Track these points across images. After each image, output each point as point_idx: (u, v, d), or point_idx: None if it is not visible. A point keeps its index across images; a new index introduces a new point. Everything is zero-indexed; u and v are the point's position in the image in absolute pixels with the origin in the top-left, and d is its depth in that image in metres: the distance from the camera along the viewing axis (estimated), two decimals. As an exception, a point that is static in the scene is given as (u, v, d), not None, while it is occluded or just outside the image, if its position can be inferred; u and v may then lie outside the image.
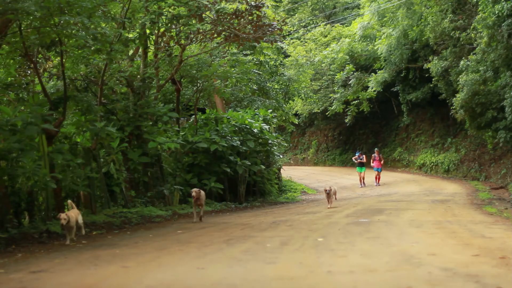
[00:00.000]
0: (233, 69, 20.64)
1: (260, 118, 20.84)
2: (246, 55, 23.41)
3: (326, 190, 15.51)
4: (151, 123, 15.52)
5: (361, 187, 26.15)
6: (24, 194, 10.57)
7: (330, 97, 35.97)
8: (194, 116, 19.12)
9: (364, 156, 27.05)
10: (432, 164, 30.91)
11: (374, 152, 27.87)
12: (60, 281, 5.78)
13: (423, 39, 28.04)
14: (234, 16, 15.39)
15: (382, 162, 27.26)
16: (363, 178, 26.66)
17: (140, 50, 16.22)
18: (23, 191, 10.54)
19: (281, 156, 24.94)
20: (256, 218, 12.64)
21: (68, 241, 8.85)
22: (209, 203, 16.77)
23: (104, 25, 12.07)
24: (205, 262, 6.52)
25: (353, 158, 28.41)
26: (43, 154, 10.71)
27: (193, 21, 15.47)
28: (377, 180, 26.78)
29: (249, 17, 15.49)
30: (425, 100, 31.18)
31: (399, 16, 30.29)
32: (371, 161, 27.21)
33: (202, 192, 12.14)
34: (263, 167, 19.73)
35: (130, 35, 15.62)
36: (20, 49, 11.75)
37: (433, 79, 26.80)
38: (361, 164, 26.66)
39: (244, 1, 15.66)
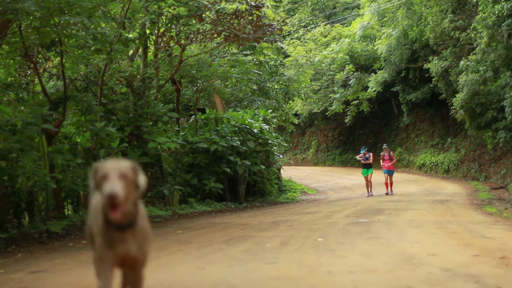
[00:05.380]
0: (233, 69, 20.62)
1: (260, 118, 20.83)
2: (246, 55, 23.38)
3: None
4: (151, 123, 15.51)
5: (368, 196, 20.49)
6: (24, 194, 10.58)
7: (330, 97, 35.95)
8: (194, 116, 19.11)
9: (371, 154, 20.95)
10: (432, 164, 30.89)
11: (383, 150, 21.74)
12: (60, 281, 5.78)
13: (423, 39, 28.02)
14: (234, 16, 15.38)
15: (394, 161, 21.02)
16: (370, 183, 20.77)
17: (140, 50, 16.22)
18: (23, 191, 10.55)
19: (281, 156, 24.93)
20: (256, 218, 12.64)
21: None
22: (209, 203, 16.78)
23: (104, 25, 12.08)
24: (205, 262, 6.52)
25: (357, 156, 22.20)
26: (43, 154, 10.71)
27: (193, 21, 15.46)
28: (389, 187, 20.84)
29: (249, 17, 15.49)
30: (425, 100, 31.16)
31: (399, 16, 30.27)
32: (381, 161, 21.39)
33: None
34: (263, 167, 19.73)
35: (130, 35, 15.61)
36: (20, 49, 11.76)
37: (433, 79, 26.78)
38: (367, 165, 20.66)
39: (244, 1, 15.65)
